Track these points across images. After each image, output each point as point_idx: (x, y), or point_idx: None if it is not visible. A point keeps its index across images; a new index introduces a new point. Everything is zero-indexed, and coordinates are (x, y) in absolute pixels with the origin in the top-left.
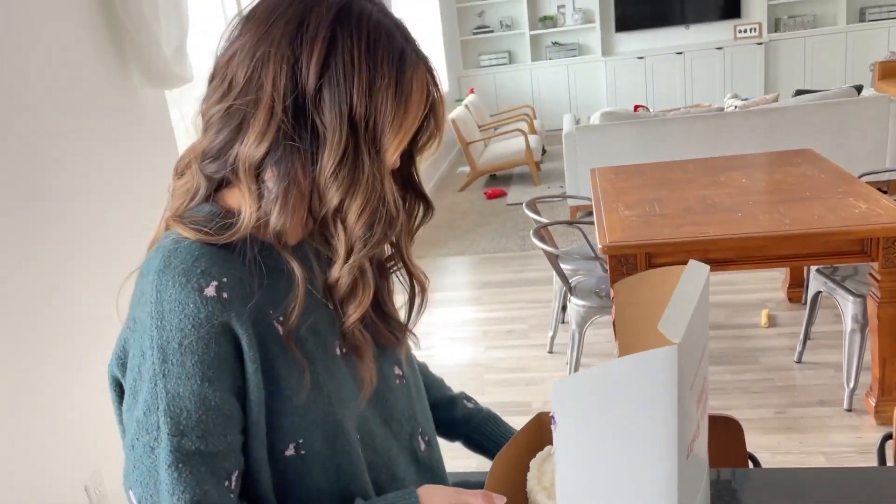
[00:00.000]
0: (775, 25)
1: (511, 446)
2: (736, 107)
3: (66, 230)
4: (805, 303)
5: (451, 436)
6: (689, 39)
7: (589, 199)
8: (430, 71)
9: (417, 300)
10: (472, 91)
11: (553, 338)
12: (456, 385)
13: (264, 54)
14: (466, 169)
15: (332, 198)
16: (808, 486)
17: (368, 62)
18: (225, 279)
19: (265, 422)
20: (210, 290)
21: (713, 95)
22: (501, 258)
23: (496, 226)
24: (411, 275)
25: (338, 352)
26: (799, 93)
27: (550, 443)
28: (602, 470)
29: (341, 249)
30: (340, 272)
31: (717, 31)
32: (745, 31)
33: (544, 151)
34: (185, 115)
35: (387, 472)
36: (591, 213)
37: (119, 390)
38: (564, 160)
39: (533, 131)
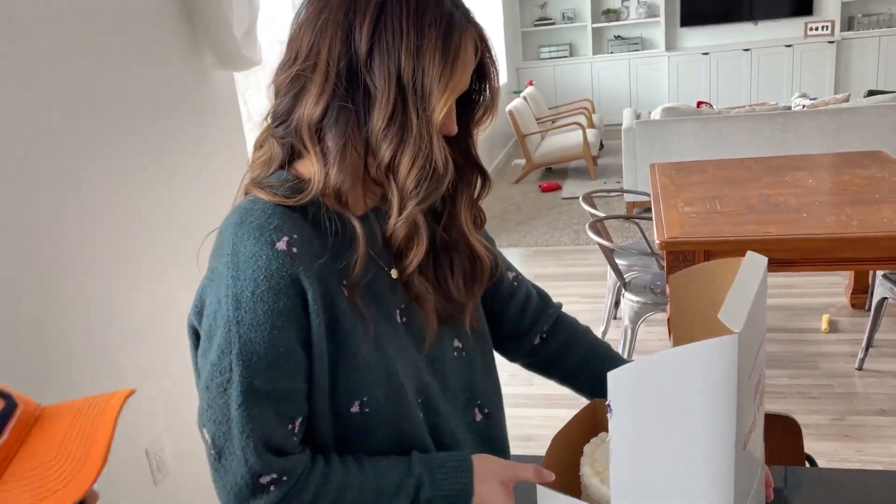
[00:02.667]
0: (848, 24)
1: (565, 431)
2: (804, 106)
3: (143, 199)
4: (869, 309)
5: None
6: (757, 36)
7: (646, 196)
8: (480, 35)
9: (479, 276)
10: (531, 83)
11: (604, 333)
12: (504, 375)
13: (324, 22)
14: (522, 161)
15: (384, 154)
16: (867, 489)
17: (416, 26)
18: (295, 236)
19: (330, 377)
20: (281, 245)
21: (780, 95)
22: (554, 251)
23: (550, 219)
24: (472, 252)
25: (399, 319)
26: (871, 93)
27: (605, 430)
28: (657, 459)
29: (395, 203)
30: (395, 224)
31: (786, 28)
32: (817, 28)
33: (602, 146)
34: (247, 101)
35: (449, 437)
36: (648, 210)
37: (196, 338)
38: (623, 155)
39: (591, 125)
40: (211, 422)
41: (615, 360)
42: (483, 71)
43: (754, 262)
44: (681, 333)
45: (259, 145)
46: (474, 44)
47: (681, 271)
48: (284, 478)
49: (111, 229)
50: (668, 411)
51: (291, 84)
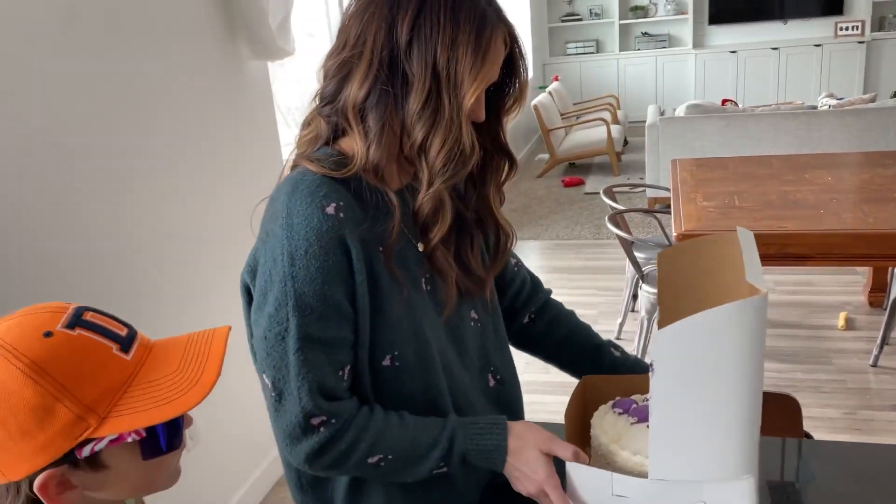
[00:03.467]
0: (879, 24)
1: (571, 409)
2: (830, 106)
3: (183, 180)
4: (886, 307)
5: None
6: (786, 35)
7: (668, 191)
8: (510, 32)
9: (502, 249)
10: (556, 78)
11: (622, 325)
12: (521, 364)
13: (370, 15)
14: (545, 156)
15: (418, 134)
16: (860, 461)
17: (452, 21)
18: (341, 203)
19: (371, 334)
20: (330, 209)
21: (807, 94)
22: (575, 245)
23: (572, 213)
24: (498, 225)
25: (424, 287)
26: None
27: (595, 403)
28: (694, 415)
29: (424, 179)
30: (423, 199)
31: (816, 28)
32: (847, 28)
33: (626, 142)
34: (276, 91)
35: (463, 398)
36: (669, 206)
37: (248, 296)
38: (646, 151)
39: (616, 121)
40: (270, 367)
41: (593, 339)
42: (512, 65)
43: (746, 237)
44: (668, 308)
45: (307, 123)
46: (504, 39)
47: (666, 249)
48: (333, 420)
49: (154, 208)
50: (705, 368)
51: (339, 69)
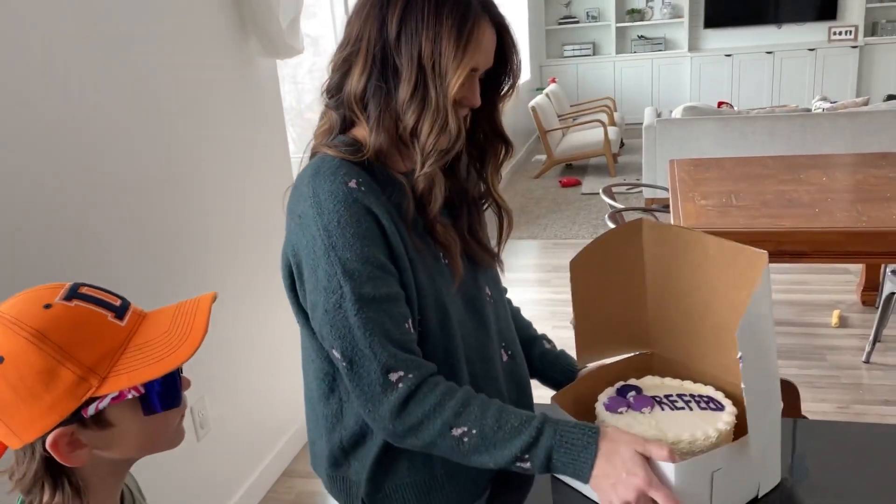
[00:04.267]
0: (872, 29)
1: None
2: (823, 109)
3: (192, 176)
4: (878, 306)
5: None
6: (781, 39)
7: (665, 190)
8: (496, 21)
9: (505, 227)
10: (553, 80)
11: None
12: None
13: (367, 14)
14: (543, 157)
15: (409, 121)
16: (854, 437)
17: (435, 16)
18: (361, 179)
19: (414, 291)
20: (353, 184)
21: (801, 98)
22: (573, 244)
23: (569, 213)
24: (499, 206)
25: (443, 261)
26: (890, 98)
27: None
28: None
29: (418, 161)
30: (417, 178)
31: (810, 32)
32: (840, 33)
33: (622, 144)
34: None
35: (482, 367)
36: (666, 207)
37: (291, 281)
38: (643, 152)
39: (612, 123)
40: (337, 339)
41: (529, 330)
42: (504, 52)
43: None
44: (581, 310)
45: (321, 117)
46: (490, 27)
47: (578, 253)
48: (410, 375)
49: (166, 201)
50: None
51: (342, 64)
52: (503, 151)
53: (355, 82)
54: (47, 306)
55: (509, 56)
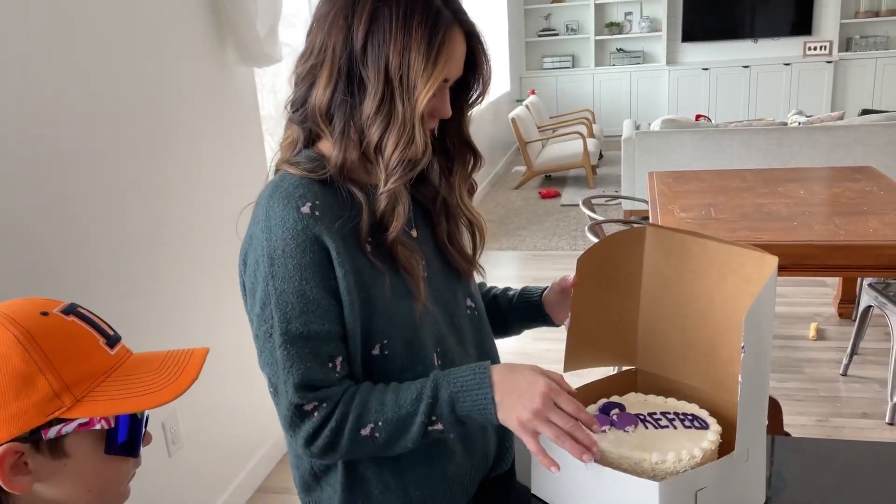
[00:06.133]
0: (846, 45)
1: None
2: (799, 122)
3: (167, 184)
4: (855, 319)
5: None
6: (757, 53)
7: (644, 202)
8: (468, 30)
9: (478, 240)
10: (533, 92)
11: None
12: None
13: (331, 23)
14: (522, 168)
15: (373, 136)
16: (837, 455)
17: (404, 27)
18: (318, 202)
19: (360, 325)
20: (305, 209)
21: (777, 111)
22: (552, 255)
23: (549, 224)
24: (469, 219)
25: (422, 274)
26: (865, 112)
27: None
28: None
29: (381, 178)
30: (380, 196)
31: (785, 47)
32: (815, 48)
33: (601, 156)
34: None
35: None
36: (645, 219)
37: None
38: (622, 164)
39: (591, 135)
40: (266, 365)
41: (491, 290)
42: (474, 60)
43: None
44: (578, 310)
45: (285, 129)
46: (461, 36)
47: (586, 250)
48: (324, 403)
49: (140, 210)
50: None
51: (307, 76)
52: (472, 162)
53: (320, 95)
54: (44, 314)
55: (480, 64)
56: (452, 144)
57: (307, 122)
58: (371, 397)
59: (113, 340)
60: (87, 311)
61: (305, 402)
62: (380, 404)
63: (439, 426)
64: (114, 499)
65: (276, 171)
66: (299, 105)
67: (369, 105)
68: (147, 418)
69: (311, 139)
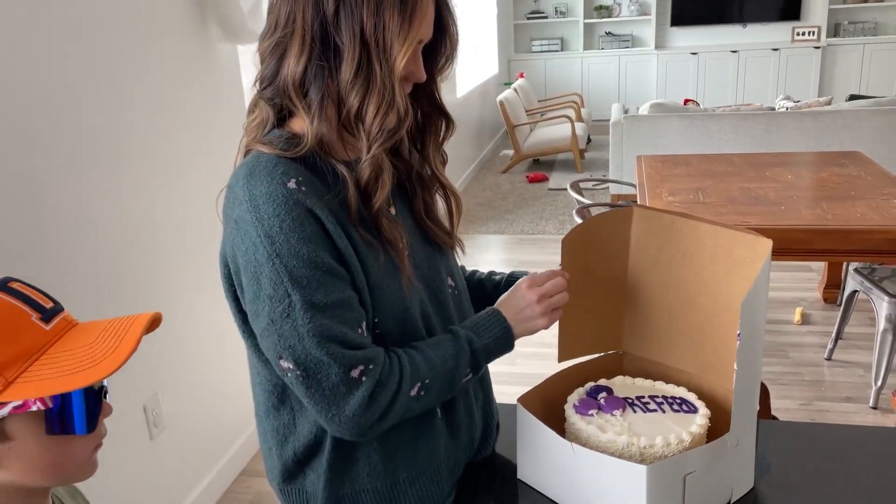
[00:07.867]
0: (835, 30)
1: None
2: (787, 108)
3: (149, 165)
4: (840, 303)
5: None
6: (746, 38)
7: (632, 186)
8: None
9: (454, 209)
10: (521, 75)
11: None
12: None
13: None
14: (510, 151)
15: (353, 103)
16: (822, 439)
17: None
18: (300, 178)
19: (367, 290)
20: (292, 184)
21: (765, 96)
22: (539, 240)
23: (536, 208)
24: (444, 187)
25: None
26: (852, 97)
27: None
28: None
29: (364, 146)
30: (362, 165)
31: (774, 32)
32: (804, 33)
33: (589, 140)
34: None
35: None
36: (634, 202)
37: (229, 284)
38: (610, 149)
39: (580, 119)
40: (288, 348)
41: (476, 274)
42: (441, 23)
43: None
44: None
45: (251, 110)
46: None
47: (571, 231)
48: (371, 366)
49: (122, 191)
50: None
51: (274, 50)
52: (444, 127)
53: (292, 66)
54: None
55: (447, 25)
56: (422, 111)
57: (278, 97)
58: (414, 360)
59: (49, 314)
60: (21, 283)
61: (354, 361)
62: (426, 364)
63: (471, 375)
64: (75, 473)
65: (247, 152)
66: (269, 81)
67: (346, 71)
68: (105, 390)
69: (282, 118)
